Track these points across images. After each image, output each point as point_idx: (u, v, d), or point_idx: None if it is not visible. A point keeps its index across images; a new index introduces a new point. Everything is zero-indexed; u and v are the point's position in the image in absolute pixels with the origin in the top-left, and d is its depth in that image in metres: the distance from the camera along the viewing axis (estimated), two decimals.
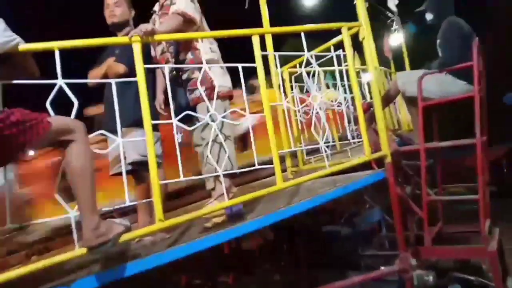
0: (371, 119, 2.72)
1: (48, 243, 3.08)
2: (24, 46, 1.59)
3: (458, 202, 2.96)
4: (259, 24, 3.08)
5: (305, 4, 6.85)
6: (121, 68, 2.27)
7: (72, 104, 1.68)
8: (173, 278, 3.82)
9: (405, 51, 5.66)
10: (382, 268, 2.65)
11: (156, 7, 2.46)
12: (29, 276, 1.50)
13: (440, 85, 2.78)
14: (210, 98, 2.04)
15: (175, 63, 2.25)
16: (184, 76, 2.22)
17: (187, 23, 2.18)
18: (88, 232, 1.48)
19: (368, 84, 4.40)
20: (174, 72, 2.25)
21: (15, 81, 1.62)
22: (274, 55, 2.67)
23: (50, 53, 1.69)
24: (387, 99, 3.13)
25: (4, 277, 1.44)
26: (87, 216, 1.48)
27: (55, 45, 1.67)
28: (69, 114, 1.63)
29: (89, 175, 1.51)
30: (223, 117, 2.08)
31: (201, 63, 2.03)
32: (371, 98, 4.39)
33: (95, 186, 1.53)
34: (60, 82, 1.65)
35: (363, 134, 2.38)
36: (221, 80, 2.22)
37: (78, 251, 1.51)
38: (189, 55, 2.26)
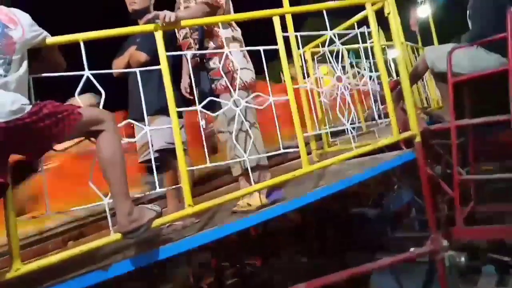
0: (398, 97, 2.64)
1: (83, 228, 3.21)
2: (50, 40, 1.63)
3: (491, 181, 2.85)
4: (276, 5, 2.99)
5: None
6: (143, 56, 2.28)
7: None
8: (203, 260, 3.93)
9: (433, 24, 5.41)
10: (412, 249, 2.62)
11: None
12: (68, 261, 1.58)
13: (472, 59, 2.64)
14: (233, 88, 2.03)
15: (199, 49, 2.21)
16: (208, 64, 2.19)
17: (213, 9, 2.14)
18: (122, 218, 1.53)
19: (394, 60, 4.27)
20: (198, 58, 2.23)
21: (44, 74, 1.67)
22: (296, 36, 2.61)
23: (74, 45, 1.73)
24: (415, 76, 3.02)
25: (45, 262, 1.52)
26: (121, 202, 1.53)
27: (80, 36, 1.70)
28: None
29: (120, 163, 1.55)
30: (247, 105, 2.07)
31: (223, 51, 2.02)
32: (397, 75, 4.27)
33: (126, 173, 1.57)
34: (87, 73, 1.69)
35: (390, 113, 2.31)
36: (243, 70, 2.17)
37: (113, 236, 1.57)
38: (211, 43, 2.22)
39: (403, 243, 3.14)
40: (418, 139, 2.34)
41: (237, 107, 1.99)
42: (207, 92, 2.15)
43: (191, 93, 2.33)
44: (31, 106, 1.38)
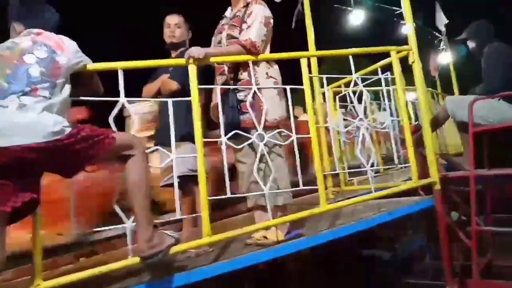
0: (418, 142, 2.67)
1: (96, 246, 3.24)
2: (91, 66, 1.74)
3: (510, 233, 2.79)
4: (301, 44, 3.10)
5: (347, 25, 6.85)
6: (174, 85, 2.38)
7: None
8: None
9: (453, 72, 5.49)
10: None
11: (228, 13, 2.42)
12: (85, 279, 1.60)
13: (493, 110, 2.68)
14: (261, 124, 2.06)
15: (233, 78, 2.25)
16: (239, 96, 2.21)
17: (249, 54, 2.16)
18: (142, 242, 1.56)
19: (414, 104, 4.31)
20: (231, 87, 2.24)
21: (83, 98, 1.77)
22: (321, 77, 2.69)
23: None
24: (436, 123, 3.05)
25: (65, 280, 1.55)
26: (143, 227, 1.57)
27: (119, 65, 1.81)
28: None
29: (146, 189, 1.60)
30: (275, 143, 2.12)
31: (256, 84, 2.08)
32: (416, 119, 4.30)
33: (150, 199, 1.61)
34: (123, 100, 1.78)
35: (410, 158, 2.33)
36: (274, 109, 2.18)
37: (132, 260, 1.60)
38: (245, 75, 2.22)
39: None
40: (437, 186, 2.35)
41: (264, 143, 2.03)
42: (233, 122, 2.16)
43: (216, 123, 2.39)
44: (70, 128, 1.45)
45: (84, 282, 1.69)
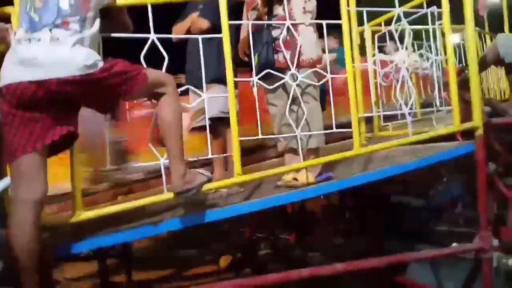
0: (462, 85, 2.49)
1: (131, 185, 3.40)
2: (121, 1, 1.68)
3: None
4: None
5: None
6: (205, 23, 2.29)
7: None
8: (238, 229, 4.05)
9: (506, 9, 4.96)
10: (456, 244, 2.53)
11: None
12: (121, 213, 1.68)
13: None
14: (297, 64, 1.97)
15: (267, 13, 2.12)
16: (273, 33, 2.09)
17: None
18: (176, 178, 1.59)
19: (459, 46, 3.99)
20: (265, 25, 2.13)
21: (112, 34, 1.73)
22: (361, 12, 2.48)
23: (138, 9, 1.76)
24: (483, 65, 2.82)
25: (104, 211, 1.64)
26: (176, 163, 1.59)
27: (148, 0, 1.73)
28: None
29: (178, 126, 1.60)
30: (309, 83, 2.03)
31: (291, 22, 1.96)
32: (459, 62, 4.00)
33: (182, 136, 1.62)
34: (153, 36, 1.73)
35: (453, 101, 2.19)
36: (310, 48, 2.08)
37: (166, 195, 1.65)
38: (280, 11, 2.09)
39: (446, 237, 3.04)
40: (480, 132, 2.21)
41: (297, 84, 1.94)
42: (267, 62, 2.08)
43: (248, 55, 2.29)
44: (103, 62, 1.44)
45: (121, 216, 1.79)
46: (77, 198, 1.58)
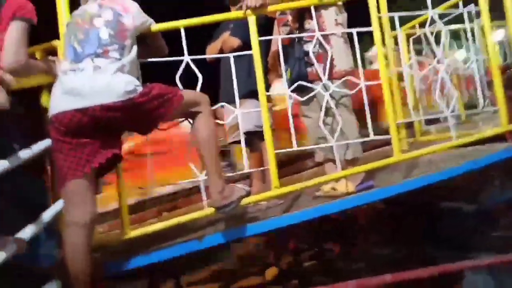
0: (508, 83, 2.35)
1: (175, 202, 3.50)
2: (155, 26, 1.77)
3: None
4: None
5: None
6: (236, 42, 2.36)
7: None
8: (281, 242, 4.01)
9: None
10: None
11: None
12: (166, 230, 1.75)
13: None
14: (329, 76, 1.98)
15: (299, 28, 2.13)
16: (305, 47, 2.08)
17: None
18: (215, 194, 1.63)
19: (502, 44, 3.79)
20: (296, 39, 2.15)
21: (149, 60, 1.83)
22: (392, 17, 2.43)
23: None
24: None
25: (150, 229, 1.71)
26: (214, 179, 1.63)
27: (181, 23, 1.82)
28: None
29: (214, 143, 1.65)
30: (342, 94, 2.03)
31: (323, 35, 1.97)
32: (505, 60, 3.79)
33: (218, 153, 1.66)
34: (187, 58, 1.81)
35: (499, 100, 2.07)
36: (341, 59, 2.07)
37: (207, 210, 1.69)
38: (312, 24, 2.04)
39: (503, 244, 2.83)
40: None
41: (330, 95, 1.94)
42: (300, 76, 2.08)
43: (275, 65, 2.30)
44: (142, 87, 1.52)
45: (166, 232, 1.85)
46: (125, 218, 1.67)
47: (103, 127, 1.49)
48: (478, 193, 3.26)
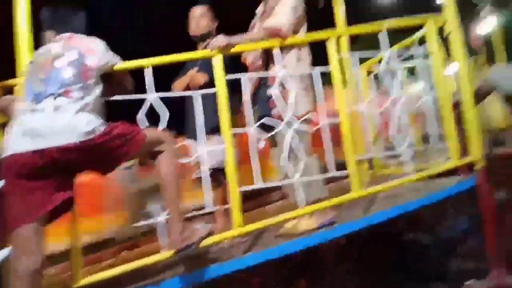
0: (458, 118, 2.50)
1: (137, 240, 3.36)
2: (121, 65, 1.76)
3: None
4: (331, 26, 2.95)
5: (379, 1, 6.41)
6: (202, 79, 2.36)
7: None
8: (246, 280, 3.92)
9: (497, 42, 5.06)
10: (470, 282, 2.43)
11: (260, 9, 2.36)
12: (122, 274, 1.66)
13: None
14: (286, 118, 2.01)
15: (266, 70, 2.18)
16: (268, 91, 2.10)
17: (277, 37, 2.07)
18: (175, 235, 1.59)
19: (453, 80, 4.05)
20: (260, 82, 2.21)
21: (113, 98, 1.80)
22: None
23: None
24: (479, 96, 2.84)
25: (104, 275, 1.62)
26: (175, 220, 1.60)
27: (146, 62, 1.82)
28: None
29: (177, 183, 1.63)
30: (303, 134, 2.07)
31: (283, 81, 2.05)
32: (456, 95, 4.04)
33: (181, 193, 1.63)
34: (151, 97, 1.80)
35: (450, 135, 2.19)
36: (302, 102, 2.11)
37: (165, 254, 1.64)
38: (275, 70, 2.10)
39: (459, 274, 2.92)
40: (480, 165, 2.20)
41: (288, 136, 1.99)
42: (264, 115, 2.11)
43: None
44: (104, 126, 1.49)
45: (122, 276, 1.77)
46: (76, 266, 1.58)
47: (60, 168, 1.44)
48: (434, 224, 3.39)
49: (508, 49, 5.03)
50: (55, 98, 1.46)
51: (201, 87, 2.23)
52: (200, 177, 2.43)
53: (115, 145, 1.51)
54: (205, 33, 2.52)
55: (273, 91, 2.04)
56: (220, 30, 2.47)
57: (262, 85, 2.20)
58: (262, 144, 2.18)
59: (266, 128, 2.04)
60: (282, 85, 2.07)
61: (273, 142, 2.24)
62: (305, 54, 2.23)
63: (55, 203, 1.42)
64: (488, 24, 5.57)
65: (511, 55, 4.74)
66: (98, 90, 1.59)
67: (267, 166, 2.33)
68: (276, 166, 2.30)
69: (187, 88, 2.45)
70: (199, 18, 2.53)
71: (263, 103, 2.17)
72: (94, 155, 1.48)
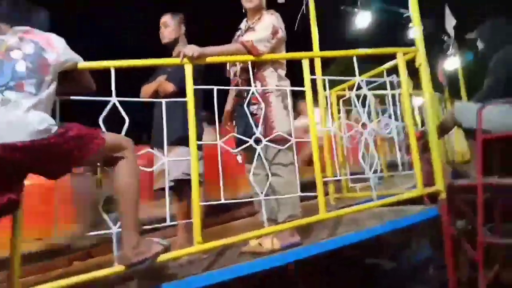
0: (424, 148, 2.57)
1: (91, 249, 3.17)
2: (82, 64, 1.67)
3: None
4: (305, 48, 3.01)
5: (353, 27, 6.70)
6: (171, 87, 2.31)
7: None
8: None
9: (461, 78, 5.36)
10: None
11: (243, 25, 2.37)
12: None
13: (503, 117, 2.57)
14: (268, 138, 2.01)
15: (247, 92, 2.14)
16: (250, 108, 2.09)
17: (251, 54, 2.07)
18: (128, 249, 1.48)
19: (420, 110, 4.20)
20: (242, 98, 2.19)
21: (72, 97, 1.70)
22: (324, 79, 2.61)
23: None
24: (443, 129, 2.94)
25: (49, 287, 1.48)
26: (129, 233, 1.49)
27: (111, 64, 1.74)
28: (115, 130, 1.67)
29: (135, 193, 1.53)
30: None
31: (266, 99, 2.08)
32: (422, 125, 4.19)
33: (138, 204, 1.54)
34: (114, 100, 1.71)
35: (415, 165, 2.23)
36: (281, 123, 2.11)
37: (116, 268, 1.52)
38: (257, 86, 2.12)
39: None
40: (443, 195, 2.24)
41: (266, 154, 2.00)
42: (246, 134, 2.08)
43: (230, 126, 2.36)
44: (57, 127, 1.39)
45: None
46: (15, 274, 1.43)
47: (4, 167, 1.31)
48: (397, 250, 3.42)
49: (469, 87, 5.36)
50: (4, 91, 1.35)
51: (169, 96, 2.18)
52: (163, 188, 2.35)
53: (69, 148, 1.40)
54: (169, 41, 2.49)
55: (254, 109, 2.07)
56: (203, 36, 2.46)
57: (240, 101, 2.20)
58: (239, 159, 2.14)
59: (243, 143, 2.00)
60: (260, 102, 2.07)
61: (249, 158, 2.20)
62: (284, 74, 2.25)
63: None
64: (453, 61, 5.93)
65: (471, 92, 5.04)
66: (52, 87, 1.49)
67: (244, 181, 2.28)
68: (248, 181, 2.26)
69: (155, 94, 2.38)
70: (163, 27, 2.50)
71: (243, 120, 2.15)
72: (44, 156, 1.37)
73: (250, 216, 3.57)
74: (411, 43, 2.61)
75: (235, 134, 2.13)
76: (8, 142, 1.28)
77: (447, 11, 5.88)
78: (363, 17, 6.34)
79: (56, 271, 2.66)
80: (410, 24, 5.67)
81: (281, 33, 2.19)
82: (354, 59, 2.24)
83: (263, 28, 2.12)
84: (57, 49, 1.54)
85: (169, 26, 2.50)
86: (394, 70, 2.61)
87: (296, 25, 3.69)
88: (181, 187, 2.34)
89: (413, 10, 2.55)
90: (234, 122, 2.38)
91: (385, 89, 2.75)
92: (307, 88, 2.09)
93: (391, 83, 2.66)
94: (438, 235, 2.35)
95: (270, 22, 2.15)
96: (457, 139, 4.28)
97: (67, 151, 1.41)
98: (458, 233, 2.45)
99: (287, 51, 2.28)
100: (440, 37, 6.05)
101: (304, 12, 3.53)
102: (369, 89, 2.55)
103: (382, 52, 2.42)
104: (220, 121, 2.31)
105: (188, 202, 2.38)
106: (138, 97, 2.48)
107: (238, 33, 2.37)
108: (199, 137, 1.86)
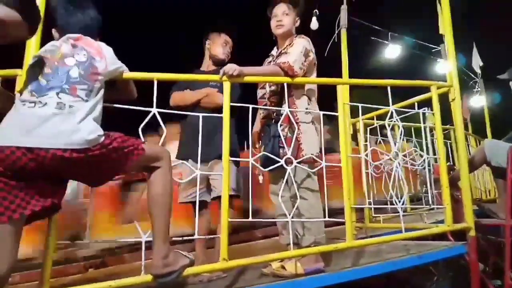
0: (452, 184, 2.52)
1: (105, 258, 3.16)
2: (128, 74, 1.72)
3: None
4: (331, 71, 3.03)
5: (382, 59, 6.73)
6: (220, 99, 2.24)
7: None
8: None
9: (487, 115, 5.30)
10: None
11: (274, 51, 2.40)
12: None
13: None
14: (297, 158, 2.00)
15: (276, 113, 2.18)
16: (279, 130, 2.07)
17: (287, 75, 2.09)
18: (158, 259, 1.48)
19: (445, 144, 4.15)
20: (273, 120, 2.21)
21: (115, 105, 1.74)
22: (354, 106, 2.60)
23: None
24: (471, 166, 2.90)
25: None
26: (159, 243, 1.49)
27: (155, 76, 1.79)
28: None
29: (168, 204, 1.53)
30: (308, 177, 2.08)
31: (297, 121, 2.09)
32: (448, 160, 4.13)
33: (171, 214, 1.54)
34: (154, 110, 1.74)
35: (445, 199, 2.19)
36: (309, 145, 2.11)
37: (144, 277, 1.51)
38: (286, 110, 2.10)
39: None
40: (472, 233, 2.18)
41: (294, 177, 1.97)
42: (273, 153, 2.07)
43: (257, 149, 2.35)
44: (104, 137, 1.41)
45: None
46: (46, 276, 1.44)
47: (48, 172, 1.33)
48: (417, 285, 3.31)
49: (492, 126, 5.29)
50: (59, 93, 1.39)
51: (214, 108, 2.21)
52: (187, 202, 2.35)
53: (111, 159, 1.43)
54: (223, 58, 2.55)
55: (282, 132, 2.07)
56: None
57: (269, 122, 2.23)
58: (260, 179, 2.14)
59: (269, 164, 1.99)
60: (291, 124, 2.07)
61: (274, 178, 2.21)
62: (314, 99, 2.26)
63: (36, 208, 1.30)
64: (479, 99, 5.89)
65: (495, 129, 4.97)
66: (100, 94, 1.53)
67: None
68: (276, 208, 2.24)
69: (195, 104, 2.39)
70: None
71: (271, 140, 2.15)
72: (89, 166, 1.39)
73: (266, 238, 3.52)
74: (439, 77, 2.62)
75: (265, 152, 2.12)
76: (57, 148, 1.29)
77: (474, 50, 5.89)
78: (393, 49, 6.32)
79: (71, 277, 2.66)
80: (439, 60, 5.68)
81: (312, 56, 2.22)
82: (389, 89, 2.24)
83: (296, 50, 2.15)
84: (105, 58, 1.59)
85: (228, 47, 2.61)
86: (422, 103, 2.61)
87: (326, 51, 3.75)
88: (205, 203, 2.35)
89: (449, 45, 2.56)
90: (261, 142, 2.39)
91: (411, 122, 2.74)
92: (340, 113, 2.10)
93: (423, 115, 2.64)
94: (459, 274, 2.27)
95: (302, 45, 2.18)
96: (482, 176, 4.19)
97: (109, 161, 1.43)
98: (481, 272, 2.38)
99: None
100: (466, 74, 6.04)
101: (336, 40, 3.60)
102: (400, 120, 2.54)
103: (416, 84, 2.42)
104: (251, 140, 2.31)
105: (208, 218, 2.38)
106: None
107: (269, 59, 2.40)
108: (236, 154, 1.86)
